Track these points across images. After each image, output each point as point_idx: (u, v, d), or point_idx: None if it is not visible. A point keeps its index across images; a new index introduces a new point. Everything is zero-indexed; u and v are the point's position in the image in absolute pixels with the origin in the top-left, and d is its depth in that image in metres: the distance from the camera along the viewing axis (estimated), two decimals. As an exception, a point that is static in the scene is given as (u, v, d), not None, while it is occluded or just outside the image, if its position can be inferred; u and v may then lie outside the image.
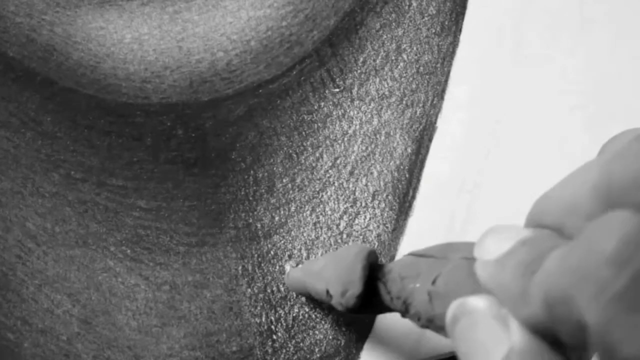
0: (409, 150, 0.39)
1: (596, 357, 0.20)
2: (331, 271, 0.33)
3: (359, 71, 0.40)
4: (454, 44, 0.41)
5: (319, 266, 0.34)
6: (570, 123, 0.40)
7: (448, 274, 0.27)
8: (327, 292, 0.33)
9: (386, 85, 0.40)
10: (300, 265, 0.36)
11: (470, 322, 0.24)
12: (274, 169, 0.39)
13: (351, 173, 0.39)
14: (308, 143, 0.39)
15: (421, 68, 0.40)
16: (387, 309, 0.31)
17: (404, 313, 0.29)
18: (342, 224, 0.38)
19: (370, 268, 0.32)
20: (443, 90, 0.40)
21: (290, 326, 0.37)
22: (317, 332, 0.37)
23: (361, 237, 0.38)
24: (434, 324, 0.27)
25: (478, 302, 0.24)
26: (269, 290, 0.37)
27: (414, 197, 0.39)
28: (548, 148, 0.40)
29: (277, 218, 0.38)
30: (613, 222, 0.19)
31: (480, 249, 0.24)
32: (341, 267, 0.32)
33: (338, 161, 0.39)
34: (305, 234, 0.38)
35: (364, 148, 0.39)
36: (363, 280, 0.31)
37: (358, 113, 0.40)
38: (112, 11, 0.39)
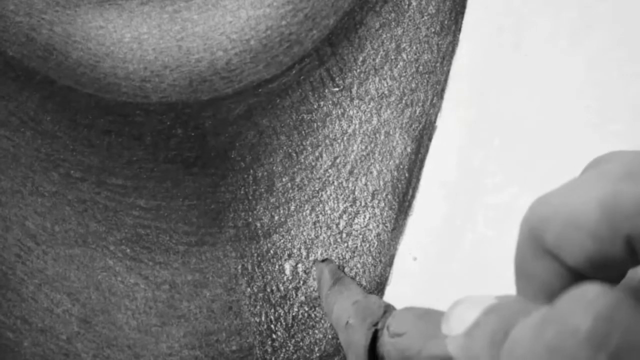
0: (409, 149, 0.39)
1: None
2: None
3: (358, 70, 0.40)
4: (454, 43, 0.41)
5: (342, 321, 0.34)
6: (570, 122, 0.40)
7: None
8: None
9: (386, 85, 0.40)
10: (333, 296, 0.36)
11: None
12: (274, 168, 0.39)
13: (351, 172, 0.39)
14: (307, 142, 0.39)
15: (421, 67, 0.40)
16: None
17: None
18: (342, 223, 0.38)
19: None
20: (443, 90, 0.40)
21: (289, 325, 0.37)
22: (316, 331, 0.37)
23: (360, 236, 0.38)
24: None
25: None
26: (268, 290, 0.37)
27: (413, 196, 0.39)
28: (548, 147, 0.40)
29: (276, 217, 0.38)
30: (588, 297, 0.19)
31: (448, 325, 0.24)
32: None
33: (337, 160, 0.39)
34: (304, 233, 0.38)
35: (363, 147, 0.39)
36: None
37: (357, 112, 0.40)
38: (111, 10, 0.39)
